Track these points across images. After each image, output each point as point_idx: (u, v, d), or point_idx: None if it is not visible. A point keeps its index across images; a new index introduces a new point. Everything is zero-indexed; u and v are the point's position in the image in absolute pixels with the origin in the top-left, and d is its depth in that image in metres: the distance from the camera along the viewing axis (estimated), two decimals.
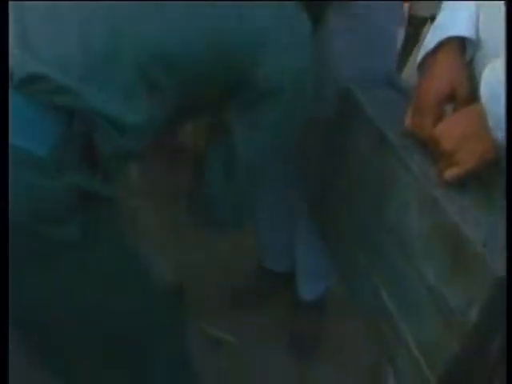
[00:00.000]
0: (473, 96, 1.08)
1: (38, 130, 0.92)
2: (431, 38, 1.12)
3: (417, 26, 3.47)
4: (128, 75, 0.97)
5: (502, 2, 1.02)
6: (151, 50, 0.98)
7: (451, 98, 1.09)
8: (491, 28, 1.07)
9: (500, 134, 0.97)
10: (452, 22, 1.12)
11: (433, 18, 1.42)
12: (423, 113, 1.09)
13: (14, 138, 0.89)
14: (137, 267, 1.14)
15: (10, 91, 0.91)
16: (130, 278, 1.11)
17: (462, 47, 1.11)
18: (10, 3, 0.94)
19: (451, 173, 1.03)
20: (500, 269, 0.89)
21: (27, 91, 0.91)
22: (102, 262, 1.04)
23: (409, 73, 2.59)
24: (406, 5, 3.21)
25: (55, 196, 0.94)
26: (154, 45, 0.98)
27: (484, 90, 0.99)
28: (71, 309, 1.05)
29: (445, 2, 1.19)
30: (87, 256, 1.00)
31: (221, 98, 1.11)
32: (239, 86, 1.07)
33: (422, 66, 1.14)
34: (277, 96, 1.08)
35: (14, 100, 0.91)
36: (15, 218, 0.91)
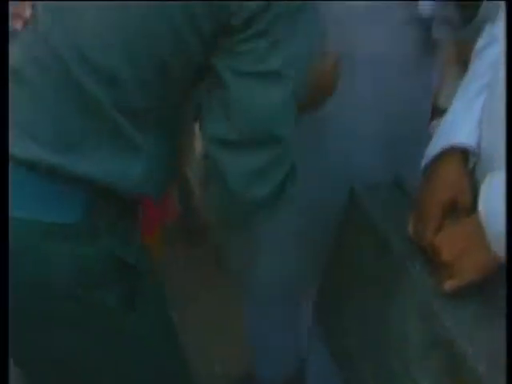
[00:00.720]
0: (475, 205, 1.07)
1: (61, 201, 0.93)
2: (434, 144, 1.13)
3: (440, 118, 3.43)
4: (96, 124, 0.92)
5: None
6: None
7: (453, 206, 1.08)
8: (493, 136, 1.07)
9: (499, 250, 0.96)
10: (455, 128, 1.12)
11: None
12: (424, 221, 1.09)
13: (40, 215, 0.91)
14: (173, 342, 1.13)
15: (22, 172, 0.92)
16: (165, 352, 1.10)
17: (464, 155, 1.11)
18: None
19: (450, 284, 1.02)
20: None
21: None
22: (138, 331, 1.03)
23: None
24: None
25: (94, 263, 0.94)
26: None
27: (481, 207, 0.99)
28: (106, 372, 1.05)
29: (453, 102, 1.20)
30: (124, 323, 1.00)
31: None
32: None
33: (426, 171, 1.14)
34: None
35: (29, 178, 0.92)
36: (56, 284, 0.92)
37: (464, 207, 1.07)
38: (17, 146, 0.92)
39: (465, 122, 1.11)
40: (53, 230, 0.92)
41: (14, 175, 0.91)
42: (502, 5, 1.15)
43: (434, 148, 1.12)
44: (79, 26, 0.90)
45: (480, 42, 1.21)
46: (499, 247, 0.96)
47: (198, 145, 2.69)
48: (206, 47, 0.90)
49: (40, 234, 0.91)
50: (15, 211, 0.90)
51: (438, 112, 3.20)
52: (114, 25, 0.89)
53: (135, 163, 0.95)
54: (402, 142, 1.40)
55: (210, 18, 0.86)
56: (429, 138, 1.19)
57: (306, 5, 0.89)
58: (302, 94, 0.94)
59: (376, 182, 1.28)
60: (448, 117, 1.16)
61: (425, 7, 1.29)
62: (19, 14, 0.93)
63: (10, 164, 0.91)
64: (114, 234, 0.97)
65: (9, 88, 0.93)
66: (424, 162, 1.13)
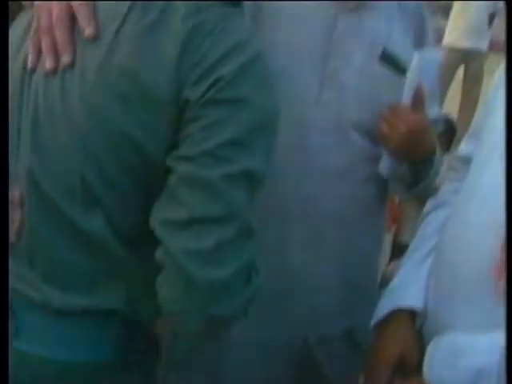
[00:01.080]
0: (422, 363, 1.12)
1: (90, 339, 0.95)
2: (383, 304, 1.19)
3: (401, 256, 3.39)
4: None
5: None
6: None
7: (402, 365, 1.13)
8: (439, 298, 1.13)
9: None
10: (403, 290, 1.19)
11: None
12: (374, 378, 1.13)
13: (72, 355, 0.94)
14: None
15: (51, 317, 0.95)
16: None
17: (412, 315, 1.17)
18: None
19: None
20: None
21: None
22: None
23: None
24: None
25: None
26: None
27: (426, 371, 1.03)
28: None
29: (402, 264, 1.27)
30: None
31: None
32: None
33: (376, 329, 1.19)
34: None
35: (58, 325, 0.95)
36: None
37: (412, 368, 1.12)
38: (36, 293, 0.95)
39: (412, 284, 1.18)
40: (80, 369, 0.94)
41: (39, 319, 0.95)
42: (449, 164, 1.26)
43: (382, 309, 1.18)
44: (58, 160, 0.95)
45: (428, 205, 1.30)
46: None
47: None
48: (166, 147, 0.92)
49: (69, 373, 0.94)
50: (46, 353, 0.93)
51: (399, 250, 3.22)
52: (82, 148, 0.93)
53: (140, 288, 0.96)
54: (358, 291, 1.45)
55: (171, 122, 0.90)
56: (386, 284, 1.25)
57: (241, 91, 0.90)
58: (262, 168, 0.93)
59: (329, 333, 1.32)
60: (396, 278, 1.23)
61: (384, 166, 1.37)
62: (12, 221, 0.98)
63: (32, 308, 0.95)
64: (143, 366, 1.00)
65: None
66: (373, 322, 1.19)
